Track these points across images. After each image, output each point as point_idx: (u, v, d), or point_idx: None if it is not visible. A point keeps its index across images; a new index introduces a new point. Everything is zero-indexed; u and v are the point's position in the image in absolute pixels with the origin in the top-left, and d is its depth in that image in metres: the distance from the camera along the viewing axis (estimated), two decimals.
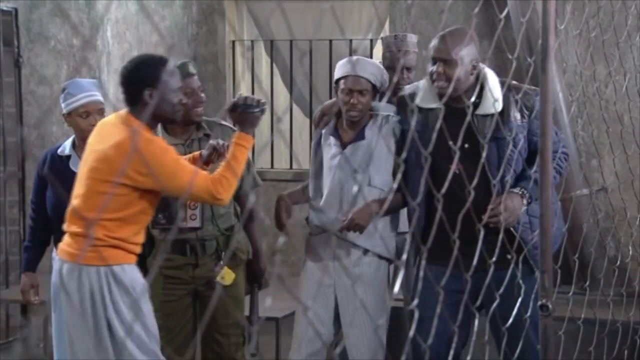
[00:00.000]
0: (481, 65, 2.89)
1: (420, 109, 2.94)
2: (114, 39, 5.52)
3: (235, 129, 2.88)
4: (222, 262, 3.17)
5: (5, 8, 5.26)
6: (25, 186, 5.26)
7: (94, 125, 3.22)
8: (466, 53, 2.81)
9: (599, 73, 4.65)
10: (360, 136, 3.18)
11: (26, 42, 5.37)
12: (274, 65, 6.18)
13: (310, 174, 3.31)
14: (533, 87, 2.85)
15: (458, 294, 2.18)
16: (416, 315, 1.62)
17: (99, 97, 3.27)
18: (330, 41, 5.90)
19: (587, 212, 4.56)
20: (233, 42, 6.26)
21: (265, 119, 6.26)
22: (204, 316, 3.25)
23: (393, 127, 3.17)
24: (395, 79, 3.49)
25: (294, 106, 6.10)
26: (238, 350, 3.29)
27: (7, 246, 5.30)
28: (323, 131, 3.29)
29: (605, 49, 3.76)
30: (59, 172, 3.26)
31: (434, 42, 2.85)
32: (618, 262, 3.38)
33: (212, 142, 2.98)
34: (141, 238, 2.75)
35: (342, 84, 3.13)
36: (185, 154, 3.20)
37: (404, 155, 2.53)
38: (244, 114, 2.81)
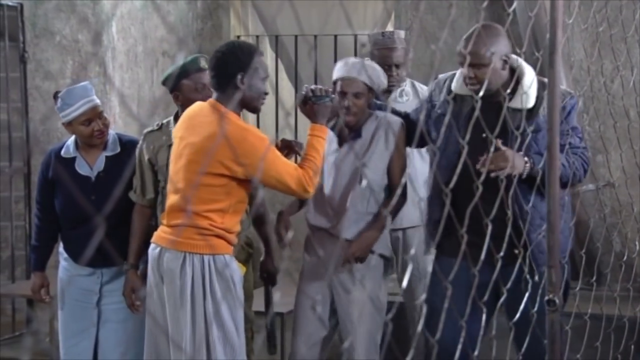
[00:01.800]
0: (517, 59, 2.87)
1: (455, 97, 2.94)
2: (119, 34, 5.52)
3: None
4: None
5: (10, 3, 5.26)
6: (30, 181, 5.26)
7: (97, 130, 3.22)
8: (495, 50, 2.79)
9: (606, 68, 4.63)
10: (357, 134, 3.19)
11: (31, 37, 5.36)
12: (279, 60, 6.18)
13: None
14: (568, 90, 2.86)
15: (470, 288, 2.18)
16: (424, 310, 1.62)
17: (97, 101, 3.26)
18: (336, 36, 5.89)
19: (593, 207, 4.55)
20: (238, 37, 6.25)
21: (270, 115, 6.27)
22: None
23: (392, 125, 3.18)
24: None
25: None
26: (247, 344, 3.30)
27: (13, 241, 5.31)
28: None
29: (613, 44, 3.75)
30: (65, 174, 3.27)
31: (462, 45, 2.80)
32: (625, 258, 3.36)
33: (283, 139, 3.03)
34: (238, 227, 2.82)
35: (338, 85, 3.15)
36: None
37: (439, 142, 2.54)
38: (316, 106, 2.89)
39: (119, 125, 5.37)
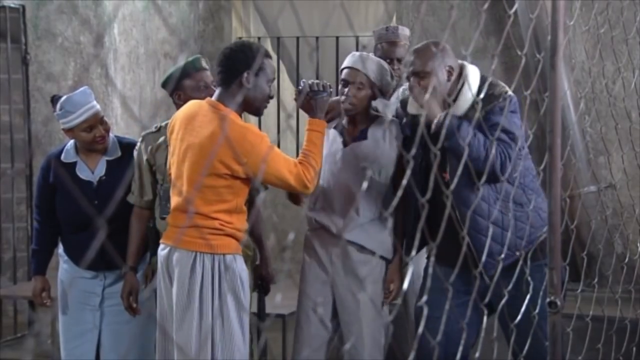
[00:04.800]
0: (465, 66, 2.92)
1: (413, 116, 3.00)
2: (121, 36, 5.52)
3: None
4: None
5: (12, 5, 5.27)
6: (32, 183, 5.26)
7: (99, 136, 3.23)
8: (438, 64, 2.85)
9: (608, 69, 4.63)
10: (362, 136, 3.19)
11: (33, 39, 5.37)
12: (281, 61, 6.19)
13: None
14: (505, 94, 2.84)
15: (465, 295, 2.18)
16: (425, 312, 1.62)
17: (97, 107, 3.26)
18: (337, 38, 5.89)
19: (595, 209, 4.55)
20: (239, 39, 6.26)
21: (272, 116, 6.28)
22: None
23: (396, 129, 3.19)
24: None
25: None
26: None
27: (15, 243, 5.31)
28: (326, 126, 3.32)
29: (614, 46, 3.75)
30: (66, 179, 3.26)
31: (407, 59, 2.94)
32: (626, 259, 3.36)
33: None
34: (246, 225, 2.82)
35: (342, 74, 3.17)
36: None
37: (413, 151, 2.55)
38: (313, 100, 2.87)
39: (120, 127, 5.38)
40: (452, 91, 2.89)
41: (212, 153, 2.64)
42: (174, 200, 2.84)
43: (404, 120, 3.12)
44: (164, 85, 3.25)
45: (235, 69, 2.71)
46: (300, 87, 2.94)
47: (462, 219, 2.68)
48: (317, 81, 2.93)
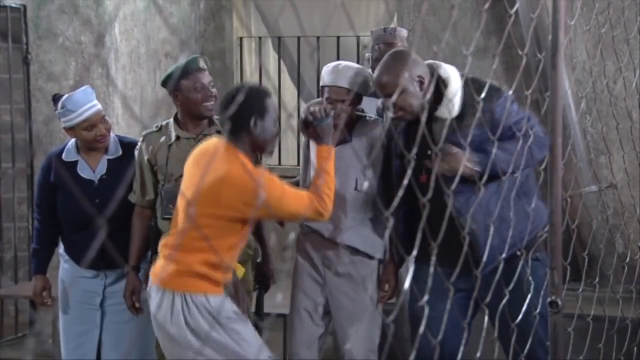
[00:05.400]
0: (440, 66, 2.88)
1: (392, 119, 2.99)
2: (122, 36, 5.53)
3: None
4: None
5: (14, 5, 5.27)
6: (34, 183, 5.27)
7: (100, 135, 3.23)
8: (407, 77, 2.81)
9: (609, 69, 4.63)
10: (348, 138, 3.20)
11: (35, 39, 5.37)
12: (282, 62, 6.19)
13: (301, 173, 3.34)
14: (497, 87, 2.82)
15: (458, 292, 2.18)
16: (426, 312, 1.62)
17: (99, 106, 3.27)
18: (338, 38, 5.90)
19: (596, 209, 4.54)
20: (241, 39, 6.26)
21: None
22: None
23: (382, 130, 3.19)
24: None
25: (302, 103, 6.11)
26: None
27: (16, 242, 5.32)
28: None
29: (615, 45, 3.75)
30: (68, 179, 3.27)
31: (375, 79, 2.91)
32: (627, 259, 3.36)
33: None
34: (235, 262, 2.83)
35: (325, 92, 3.17)
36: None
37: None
38: (319, 128, 2.90)
39: (121, 127, 5.38)
40: (426, 93, 2.84)
41: (219, 195, 2.63)
42: (171, 233, 2.81)
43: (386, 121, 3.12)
44: (164, 85, 3.26)
45: (242, 117, 2.73)
46: (303, 117, 2.96)
47: (460, 216, 2.66)
48: (319, 107, 2.93)
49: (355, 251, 3.18)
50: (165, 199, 3.15)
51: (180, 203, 2.79)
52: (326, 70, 3.20)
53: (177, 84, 3.15)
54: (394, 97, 2.74)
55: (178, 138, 3.22)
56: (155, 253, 3.15)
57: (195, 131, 3.23)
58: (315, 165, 2.88)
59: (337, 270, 3.19)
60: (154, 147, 3.23)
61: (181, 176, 2.89)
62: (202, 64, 3.20)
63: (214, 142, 2.86)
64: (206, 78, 3.18)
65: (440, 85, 2.85)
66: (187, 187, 2.79)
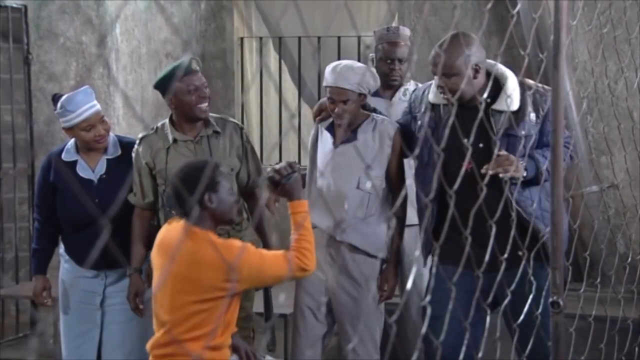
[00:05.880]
0: (495, 64, 2.89)
1: (433, 106, 2.96)
2: (123, 35, 5.52)
3: (242, 125, 2.87)
4: None
5: (14, 5, 5.27)
6: (34, 183, 5.27)
7: (98, 135, 3.23)
8: (464, 61, 2.79)
9: (610, 69, 4.62)
10: (352, 136, 3.20)
11: (35, 39, 5.37)
12: (282, 62, 6.19)
13: (308, 168, 3.34)
14: (547, 87, 2.84)
15: (471, 294, 2.18)
16: (429, 311, 1.61)
17: (98, 106, 3.26)
18: (339, 38, 5.89)
19: (597, 209, 4.54)
20: (241, 39, 6.26)
21: (274, 116, 6.28)
22: None
23: (387, 129, 3.19)
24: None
25: (303, 103, 6.10)
26: (248, 344, 3.30)
27: (17, 242, 5.32)
28: (320, 125, 3.33)
29: (617, 45, 3.75)
30: (67, 178, 3.27)
31: (433, 55, 2.84)
32: (629, 259, 3.36)
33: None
34: (229, 341, 2.75)
35: (327, 92, 3.17)
36: (194, 151, 3.20)
37: (416, 151, 2.53)
38: (288, 185, 2.79)
39: (122, 127, 5.38)
40: (482, 89, 2.83)
41: (198, 279, 2.56)
42: (157, 332, 2.71)
43: (426, 115, 3.04)
44: (157, 87, 3.23)
45: (194, 197, 2.63)
46: (268, 176, 2.83)
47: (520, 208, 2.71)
48: (282, 164, 2.81)
49: (354, 248, 3.18)
50: (167, 204, 3.14)
51: (166, 299, 2.64)
52: (328, 70, 3.20)
53: (170, 87, 3.14)
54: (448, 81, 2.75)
55: (175, 141, 3.21)
56: None
57: (192, 133, 3.22)
58: (291, 221, 2.78)
59: (337, 267, 3.19)
60: (152, 150, 3.22)
61: None
62: (194, 66, 3.18)
63: (174, 228, 2.74)
64: (198, 80, 3.16)
65: (499, 80, 2.86)
66: (160, 281, 2.68)
